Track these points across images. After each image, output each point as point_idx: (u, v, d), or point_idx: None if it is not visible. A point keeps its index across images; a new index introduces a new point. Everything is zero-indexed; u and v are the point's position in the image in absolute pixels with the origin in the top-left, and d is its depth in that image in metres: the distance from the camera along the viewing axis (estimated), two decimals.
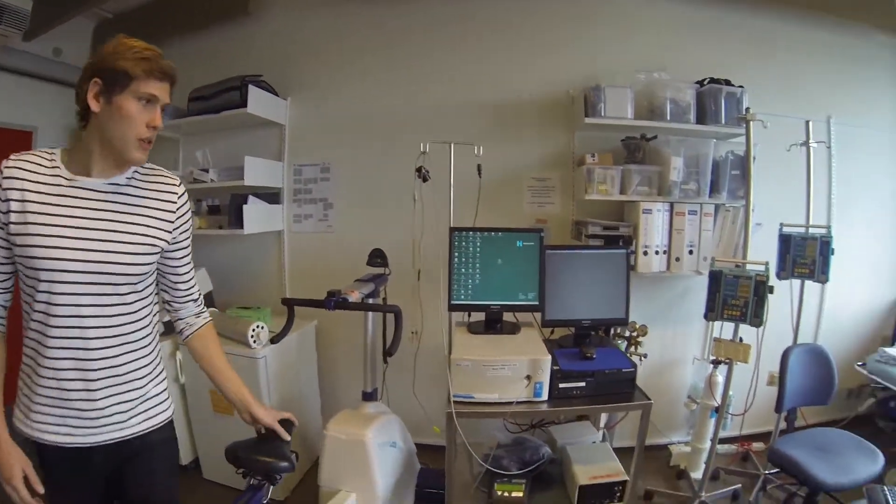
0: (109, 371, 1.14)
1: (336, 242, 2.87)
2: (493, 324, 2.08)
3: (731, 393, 2.35)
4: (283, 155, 2.92)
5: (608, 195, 2.50)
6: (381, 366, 2.21)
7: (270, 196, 2.89)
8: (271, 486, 1.27)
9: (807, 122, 2.55)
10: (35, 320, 1.09)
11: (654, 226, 2.48)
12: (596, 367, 1.83)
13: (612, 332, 2.30)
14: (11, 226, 1.05)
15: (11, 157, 1.08)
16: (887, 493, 1.67)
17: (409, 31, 2.77)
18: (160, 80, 1.07)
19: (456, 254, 2.04)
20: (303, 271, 2.91)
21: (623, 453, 2.16)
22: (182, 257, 1.28)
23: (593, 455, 2.10)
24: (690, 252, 2.55)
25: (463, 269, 2.04)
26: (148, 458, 1.24)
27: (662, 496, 2.49)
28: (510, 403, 1.74)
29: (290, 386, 2.58)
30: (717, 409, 2.46)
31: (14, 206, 1.05)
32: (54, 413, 1.12)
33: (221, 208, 2.89)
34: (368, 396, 2.17)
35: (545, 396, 1.78)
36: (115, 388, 1.15)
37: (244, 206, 2.64)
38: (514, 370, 1.74)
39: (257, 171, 2.73)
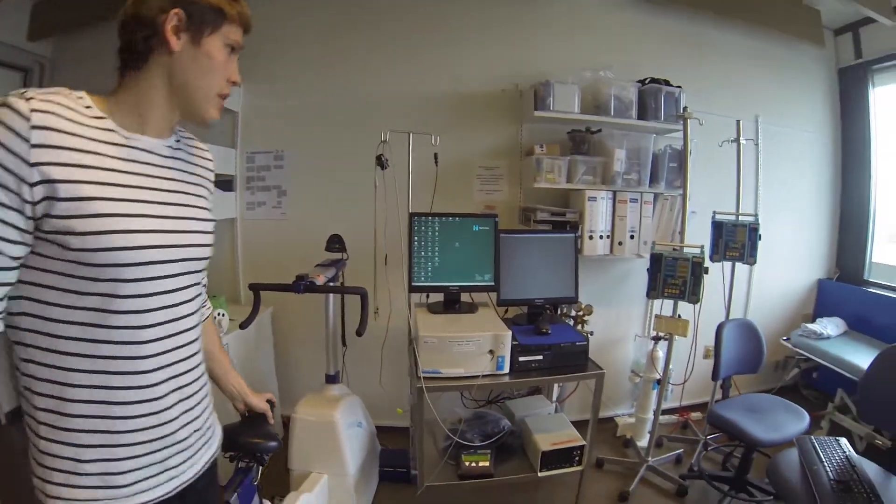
0: (202, 378, 0.97)
1: (289, 230, 2.87)
2: (452, 304, 2.18)
3: (671, 367, 2.54)
4: (237, 142, 2.87)
5: (555, 183, 2.64)
6: (341, 349, 2.25)
7: (223, 183, 2.84)
8: (260, 467, 1.29)
9: (737, 122, 2.80)
10: (93, 340, 0.77)
11: (598, 212, 2.65)
12: (552, 341, 1.97)
13: (559, 311, 2.45)
14: (60, 204, 0.71)
15: (37, 96, 0.70)
16: (814, 441, 1.88)
17: (369, 20, 2.80)
18: (244, 30, 0.92)
19: (416, 238, 2.12)
20: (257, 259, 2.89)
21: (577, 426, 2.31)
22: None
23: (551, 424, 2.24)
24: (632, 237, 2.73)
25: (423, 253, 2.13)
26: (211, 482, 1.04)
27: (613, 463, 2.67)
28: (476, 377, 1.84)
29: (250, 372, 2.59)
30: (658, 382, 2.66)
31: (58, 173, 0.70)
32: (154, 459, 0.84)
33: None
34: (332, 379, 2.21)
35: (507, 370, 1.90)
36: (206, 398, 0.98)
37: None
38: (478, 345, 1.85)
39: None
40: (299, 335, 2.90)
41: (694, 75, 2.95)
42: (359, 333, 1.90)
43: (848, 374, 2.65)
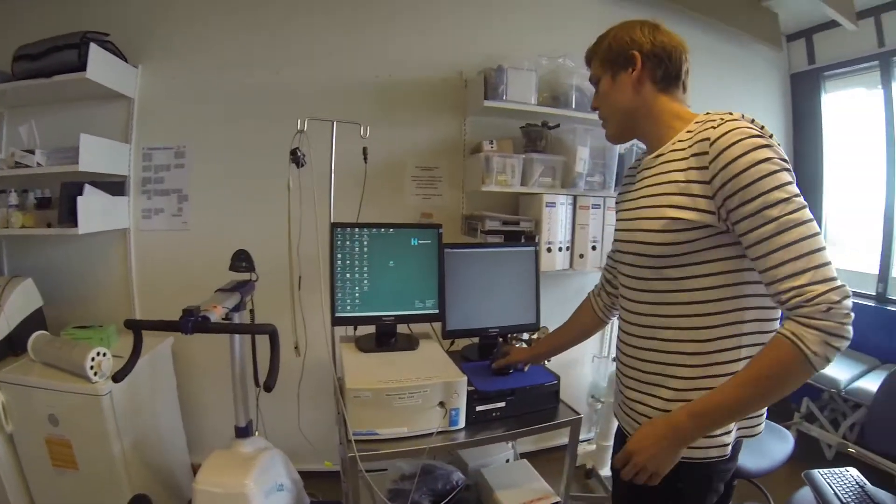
0: None
1: (193, 242, 2.40)
2: (387, 338, 1.78)
3: None
4: (131, 135, 2.37)
5: (508, 186, 2.29)
6: (253, 393, 1.82)
7: (113, 186, 2.33)
8: None
9: None
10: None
11: (557, 220, 2.33)
12: (517, 383, 1.59)
13: (509, 337, 2.11)
14: None
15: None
16: (825, 476, 1.79)
17: None
18: None
19: (339, 255, 1.71)
20: (155, 279, 2.39)
21: (528, 459, 2.01)
22: None
23: (513, 476, 1.86)
24: (594, 248, 2.44)
25: (348, 274, 1.72)
26: None
27: (578, 500, 2.41)
28: (424, 437, 1.43)
29: (146, 424, 2.09)
30: None
31: None
32: None
33: (54, 201, 2.27)
34: (243, 432, 1.75)
35: (462, 424, 1.50)
36: None
37: (79, 198, 2.07)
38: (426, 397, 1.43)
39: (97, 154, 2.16)
40: (208, 371, 2.41)
41: None
42: (267, 388, 1.45)
43: (814, 383, 2.53)
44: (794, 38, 3.54)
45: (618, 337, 1.17)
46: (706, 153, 0.90)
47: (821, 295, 0.78)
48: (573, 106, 2.34)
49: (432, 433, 1.44)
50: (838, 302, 0.78)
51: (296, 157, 1.79)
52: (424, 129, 2.54)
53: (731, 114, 0.95)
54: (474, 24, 2.57)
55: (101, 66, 2.11)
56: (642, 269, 1.03)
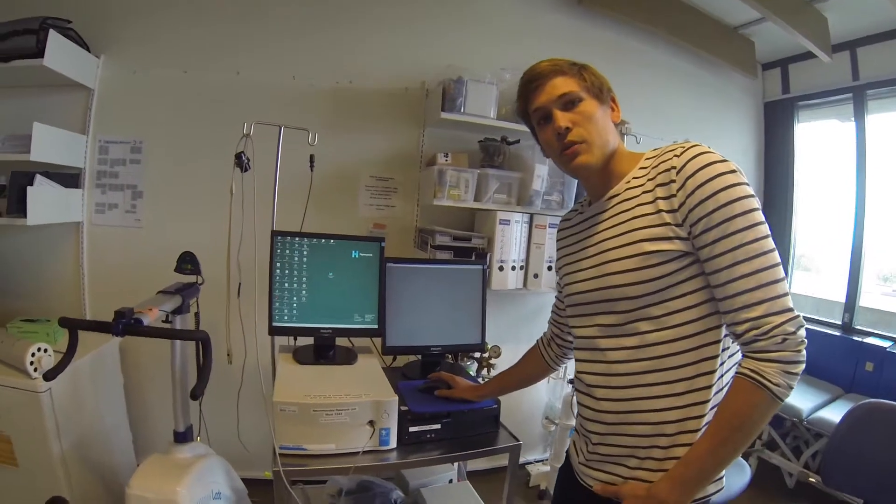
0: None
1: (146, 241, 2.35)
2: (325, 351, 1.74)
3: None
4: (88, 127, 2.32)
5: (460, 201, 2.25)
6: None
7: (67, 178, 2.28)
8: None
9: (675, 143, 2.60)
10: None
11: (511, 238, 2.29)
12: (454, 406, 1.54)
13: (457, 356, 2.08)
14: None
15: None
16: None
17: None
18: None
19: (278, 264, 1.68)
20: (107, 275, 2.34)
21: (477, 479, 1.98)
22: None
23: (453, 498, 1.86)
24: (549, 268, 2.41)
25: (287, 284, 1.69)
26: None
27: None
28: (352, 455, 1.39)
29: (90, 422, 2.03)
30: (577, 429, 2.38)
31: None
32: None
33: (3, 190, 2.22)
34: (182, 437, 1.69)
35: (393, 444, 1.45)
36: None
37: (29, 189, 2.03)
38: (354, 415, 1.39)
39: (50, 144, 2.10)
40: (156, 369, 2.33)
41: (627, 91, 2.70)
42: (193, 395, 1.40)
43: (777, 412, 2.52)
44: (770, 66, 3.58)
45: (578, 390, 1.11)
46: (673, 181, 0.89)
47: (777, 327, 0.80)
48: None
49: (361, 451, 1.40)
50: (793, 333, 0.80)
51: (240, 161, 1.75)
52: (381, 139, 2.51)
53: (689, 142, 0.94)
54: (440, 34, 2.56)
55: (59, 53, 2.05)
56: (617, 315, 0.97)
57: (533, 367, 1.44)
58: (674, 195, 0.89)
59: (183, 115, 2.34)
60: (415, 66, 2.50)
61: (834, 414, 2.70)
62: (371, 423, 1.42)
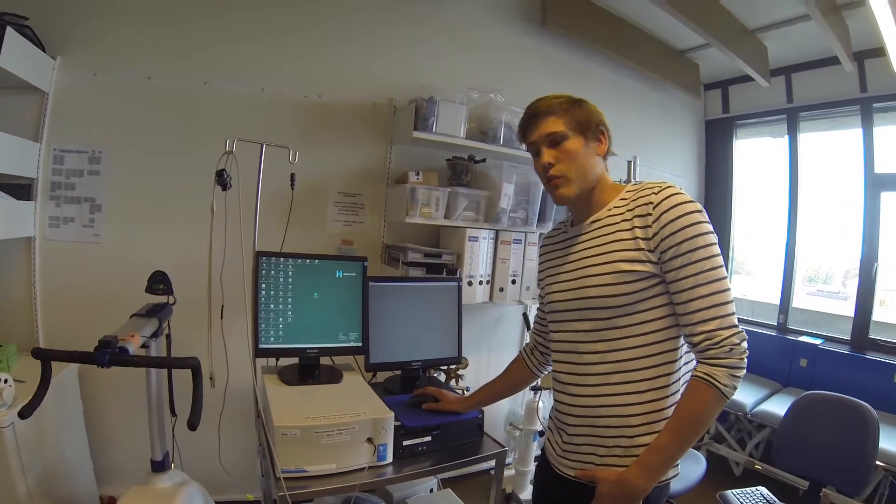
0: None
1: (105, 257, 2.23)
2: (310, 370, 1.74)
3: None
4: (42, 134, 2.17)
5: (431, 219, 2.28)
6: (169, 423, 1.71)
7: (18, 189, 2.14)
8: None
9: (629, 162, 2.76)
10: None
11: (479, 254, 2.37)
12: (442, 419, 1.60)
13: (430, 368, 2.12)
14: None
15: None
16: (737, 495, 1.99)
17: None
18: None
19: (263, 285, 1.66)
20: (61, 294, 2.19)
21: (453, 485, 2.08)
22: None
23: None
24: (513, 282, 2.50)
25: (272, 305, 1.67)
26: None
27: None
28: (354, 472, 1.41)
29: (52, 456, 1.91)
30: (541, 433, 2.48)
31: None
32: None
33: None
34: (159, 466, 1.63)
35: (390, 459, 1.48)
36: None
37: None
38: (354, 434, 1.41)
39: (2, 152, 1.97)
40: (118, 397, 2.23)
41: None
42: (191, 426, 1.36)
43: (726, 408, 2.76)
44: (711, 87, 3.86)
45: (555, 388, 1.24)
46: (649, 214, 1.06)
47: (725, 339, 0.99)
48: (501, 142, 2.37)
49: (361, 469, 1.43)
50: (738, 344, 0.99)
51: (222, 180, 1.73)
52: (349, 154, 2.50)
53: (665, 182, 1.10)
54: (410, 50, 2.58)
55: (16, 53, 1.89)
56: (593, 322, 1.12)
57: (517, 375, 1.54)
58: (649, 226, 1.05)
59: (146, 124, 2.24)
60: (383, 82, 2.51)
61: (775, 406, 2.96)
62: (369, 440, 1.44)
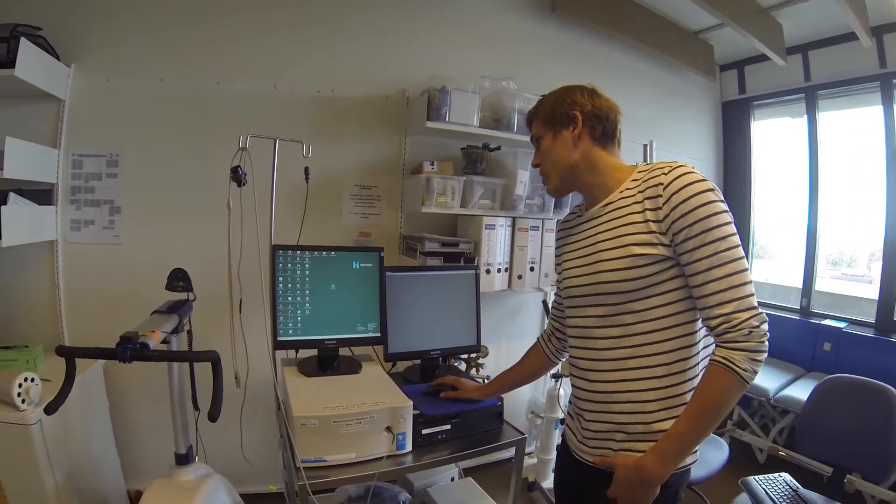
0: None
1: (126, 258, 2.27)
2: (329, 362, 1.75)
3: None
4: (60, 140, 2.22)
5: (447, 208, 2.28)
6: (192, 417, 1.74)
7: (40, 194, 2.19)
8: None
9: (644, 146, 2.73)
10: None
11: (496, 242, 2.36)
12: (462, 406, 1.60)
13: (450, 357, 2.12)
14: None
15: None
16: (760, 482, 1.94)
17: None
18: None
19: (280, 278, 1.68)
20: (84, 295, 2.24)
21: (474, 474, 2.06)
22: None
23: (460, 495, 1.88)
24: (532, 269, 2.49)
25: (290, 298, 1.69)
26: None
27: None
28: (373, 461, 1.43)
29: (79, 452, 1.96)
30: (562, 421, 2.47)
31: None
32: None
33: None
34: (183, 459, 1.65)
35: (409, 447, 1.49)
36: None
37: (3, 208, 1.92)
38: (373, 423, 1.42)
39: (23, 160, 1.98)
40: (143, 392, 2.27)
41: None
42: (212, 418, 1.39)
43: (745, 393, 2.70)
44: (727, 68, 3.78)
45: (573, 374, 1.23)
46: (660, 196, 1.02)
47: (744, 322, 0.94)
48: (515, 129, 2.36)
49: (380, 458, 1.44)
50: (757, 326, 0.94)
51: (237, 176, 1.74)
52: (364, 147, 2.51)
53: (676, 162, 1.07)
54: (420, 42, 2.58)
55: (31, 63, 1.95)
56: (607, 307, 1.10)
57: (535, 361, 1.53)
58: (660, 208, 1.02)
59: (161, 126, 2.27)
60: (395, 74, 2.51)
61: (798, 392, 2.90)
62: (388, 428, 1.45)
